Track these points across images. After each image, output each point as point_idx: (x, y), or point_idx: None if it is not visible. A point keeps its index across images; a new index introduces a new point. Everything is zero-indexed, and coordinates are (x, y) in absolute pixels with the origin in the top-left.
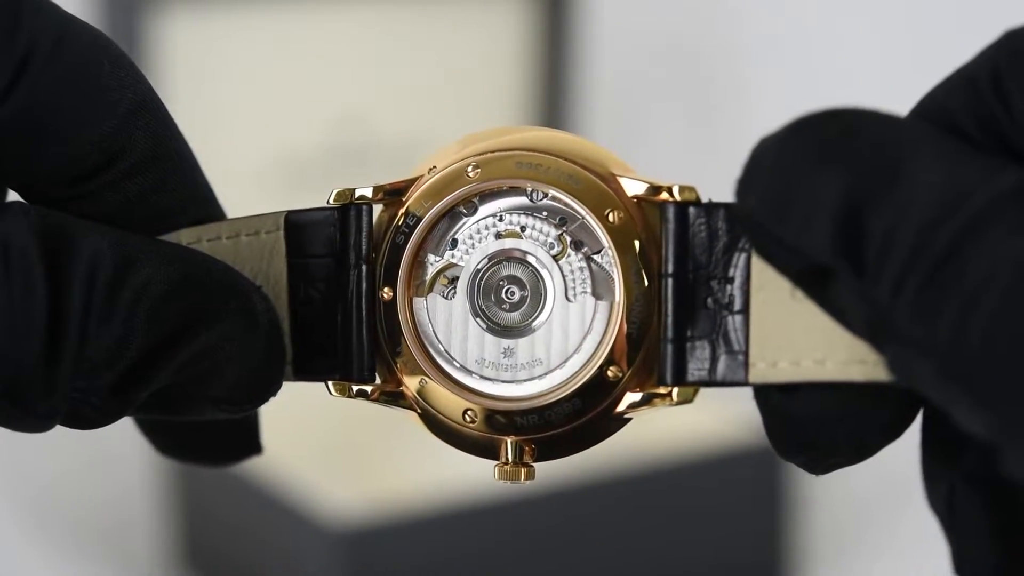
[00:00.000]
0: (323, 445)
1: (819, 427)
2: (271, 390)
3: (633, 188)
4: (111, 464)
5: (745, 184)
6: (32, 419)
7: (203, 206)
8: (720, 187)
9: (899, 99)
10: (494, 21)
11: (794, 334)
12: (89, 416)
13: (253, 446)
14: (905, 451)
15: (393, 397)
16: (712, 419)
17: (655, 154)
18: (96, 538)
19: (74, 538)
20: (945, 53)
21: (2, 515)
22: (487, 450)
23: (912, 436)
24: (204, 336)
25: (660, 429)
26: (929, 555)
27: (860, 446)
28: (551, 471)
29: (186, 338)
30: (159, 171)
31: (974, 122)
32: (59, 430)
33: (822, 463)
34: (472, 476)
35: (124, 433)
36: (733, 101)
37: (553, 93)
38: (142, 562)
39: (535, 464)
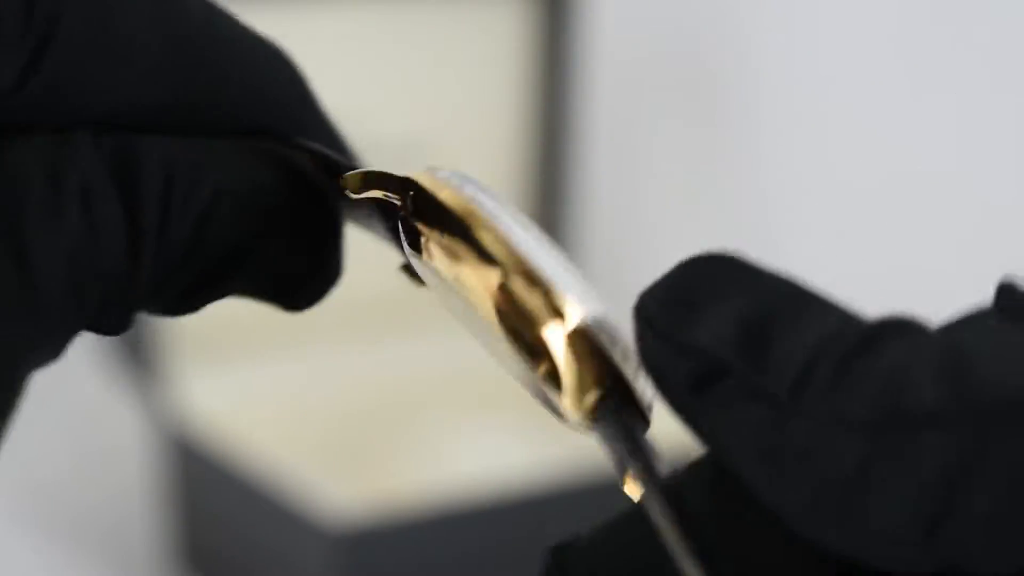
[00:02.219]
0: (323, 445)
1: None
2: (333, 280)
3: None
4: (110, 464)
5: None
6: (117, 323)
7: (261, 113)
8: (721, 187)
9: (906, 94)
10: (494, 21)
11: None
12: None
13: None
14: None
15: None
16: None
17: (656, 155)
18: (95, 538)
19: (73, 538)
20: (949, 55)
21: (1, 515)
22: None
23: None
24: (275, 243)
25: (659, 430)
26: None
27: None
28: (551, 472)
29: (261, 245)
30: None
31: None
32: (56, 429)
33: None
34: (472, 476)
35: (124, 433)
36: (736, 101)
37: (553, 93)
38: (141, 562)
39: None
